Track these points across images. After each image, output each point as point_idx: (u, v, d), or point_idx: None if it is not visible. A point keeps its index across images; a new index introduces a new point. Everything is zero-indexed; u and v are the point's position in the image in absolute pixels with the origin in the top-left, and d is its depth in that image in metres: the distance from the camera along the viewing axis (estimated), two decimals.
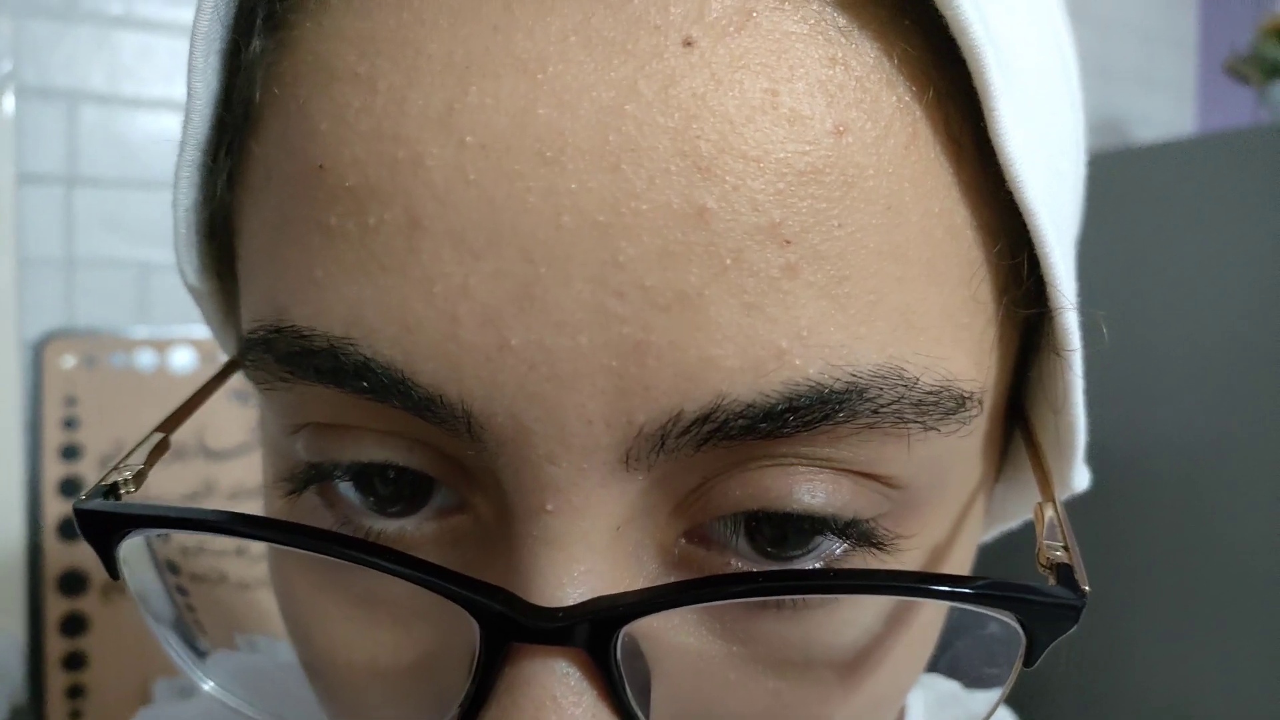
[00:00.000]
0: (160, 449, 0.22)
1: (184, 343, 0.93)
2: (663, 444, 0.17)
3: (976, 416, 0.20)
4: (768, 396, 0.17)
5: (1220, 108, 1.72)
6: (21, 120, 0.87)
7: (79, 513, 0.19)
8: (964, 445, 0.20)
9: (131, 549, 0.20)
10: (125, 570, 0.20)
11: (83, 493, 0.20)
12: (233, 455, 0.92)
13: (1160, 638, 1.01)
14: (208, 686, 0.23)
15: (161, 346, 0.92)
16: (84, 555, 0.87)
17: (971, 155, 0.19)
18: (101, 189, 0.91)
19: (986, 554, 0.28)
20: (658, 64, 0.16)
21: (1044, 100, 0.20)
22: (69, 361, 0.89)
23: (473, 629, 0.18)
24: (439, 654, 0.20)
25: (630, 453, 0.17)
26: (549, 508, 0.18)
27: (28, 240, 0.88)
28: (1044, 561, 0.19)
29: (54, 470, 0.87)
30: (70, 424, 0.88)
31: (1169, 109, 1.72)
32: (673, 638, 0.19)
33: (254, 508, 0.21)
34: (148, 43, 0.92)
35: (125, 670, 0.86)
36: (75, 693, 0.85)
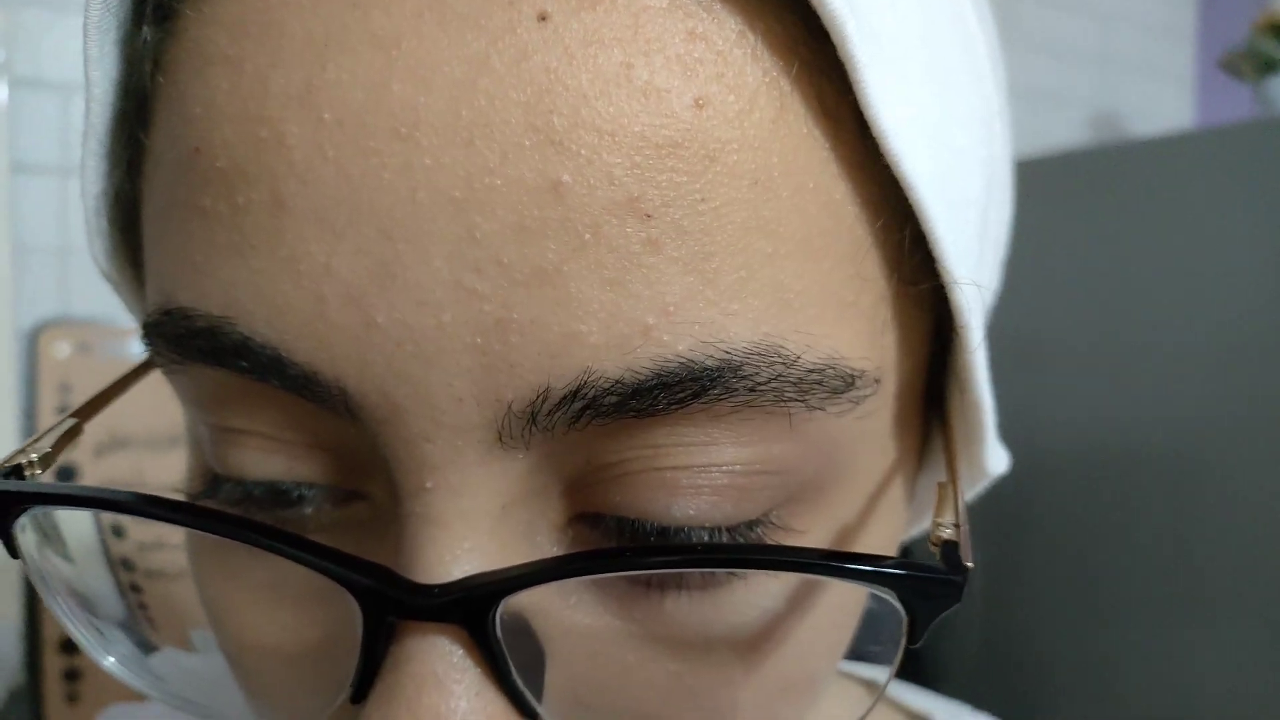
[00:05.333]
0: (71, 434, 0.22)
1: None
2: (534, 420, 0.17)
3: (870, 396, 0.20)
4: (637, 373, 0.17)
5: (1220, 101, 1.70)
6: (15, 110, 0.88)
7: None
8: (866, 428, 0.20)
9: (80, 545, 0.21)
10: (23, 548, 0.20)
11: None
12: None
13: (1155, 632, 1.01)
14: (108, 663, 0.23)
15: None
16: None
17: (851, 131, 0.18)
18: None
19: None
20: (510, 39, 0.16)
21: (932, 71, 0.20)
22: (63, 349, 0.90)
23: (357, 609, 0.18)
24: (336, 636, 0.20)
25: (503, 430, 0.17)
26: (428, 485, 0.18)
27: (22, 230, 0.89)
28: (933, 540, 0.19)
29: None
30: (65, 411, 0.89)
31: (1168, 102, 1.69)
32: (567, 617, 0.19)
33: None
34: None
35: None
36: (72, 675, 0.86)
